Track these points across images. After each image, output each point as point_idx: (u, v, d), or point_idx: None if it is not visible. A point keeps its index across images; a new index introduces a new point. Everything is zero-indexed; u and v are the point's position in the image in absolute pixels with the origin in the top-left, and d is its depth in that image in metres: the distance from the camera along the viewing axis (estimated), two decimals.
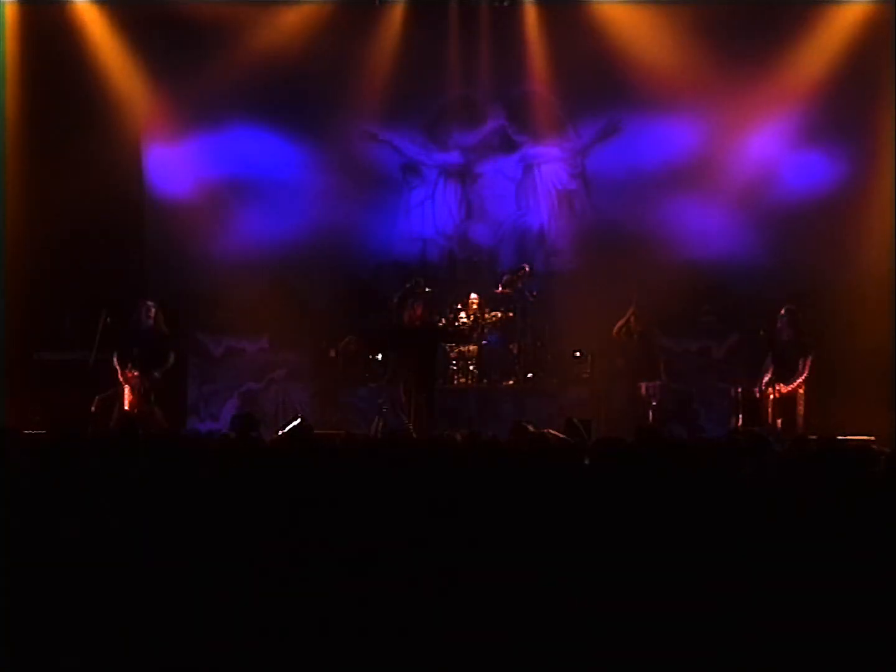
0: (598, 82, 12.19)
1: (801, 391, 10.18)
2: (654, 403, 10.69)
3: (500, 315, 11.57)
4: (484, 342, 11.51)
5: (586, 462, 4.98)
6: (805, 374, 10.18)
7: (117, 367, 10.28)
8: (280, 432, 8.63)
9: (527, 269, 11.70)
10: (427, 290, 10.90)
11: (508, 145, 12.82)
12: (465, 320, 11.38)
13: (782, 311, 10.36)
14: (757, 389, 10.36)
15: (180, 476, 4.61)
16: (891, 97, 11.46)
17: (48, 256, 11.69)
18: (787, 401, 10.16)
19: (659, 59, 11.86)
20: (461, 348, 11.48)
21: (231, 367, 11.63)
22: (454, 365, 11.51)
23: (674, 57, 11.81)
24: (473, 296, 11.47)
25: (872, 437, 9.29)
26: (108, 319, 10.63)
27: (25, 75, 11.76)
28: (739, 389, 10.51)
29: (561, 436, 6.46)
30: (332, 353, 11.69)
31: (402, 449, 5.34)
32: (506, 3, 12.20)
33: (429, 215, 12.86)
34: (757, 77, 11.81)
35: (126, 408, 10.11)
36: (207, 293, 11.94)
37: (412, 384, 10.01)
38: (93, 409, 10.02)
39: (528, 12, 12.15)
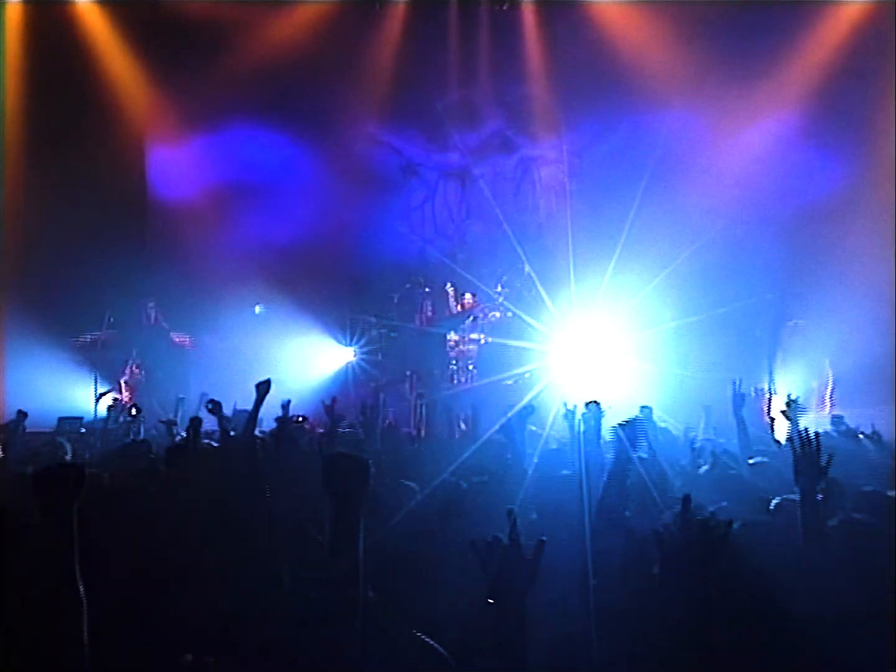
0: (597, 83, 12.21)
1: None
2: None
3: (498, 315, 11.65)
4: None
5: None
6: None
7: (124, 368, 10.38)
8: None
9: (526, 269, 11.74)
10: (427, 289, 10.96)
11: (507, 146, 12.89)
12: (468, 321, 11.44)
13: None
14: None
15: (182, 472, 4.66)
16: (891, 96, 11.41)
17: (53, 256, 11.75)
18: None
19: (657, 60, 11.88)
20: (461, 348, 11.55)
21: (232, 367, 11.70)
22: (454, 364, 11.59)
23: (671, 57, 11.81)
24: (468, 296, 11.53)
25: None
26: (112, 319, 10.71)
27: (29, 76, 11.84)
28: None
29: None
30: None
31: None
32: (504, 7, 12.29)
33: (429, 216, 12.92)
34: (756, 76, 11.78)
35: (127, 404, 10.18)
36: (209, 293, 12.01)
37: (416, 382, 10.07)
38: (96, 404, 10.08)
39: (527, 16, 12.25)
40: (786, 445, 3.98)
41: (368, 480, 3.14)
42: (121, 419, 7.95)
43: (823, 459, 3.73)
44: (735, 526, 3.19)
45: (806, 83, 11.83)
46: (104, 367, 10.65)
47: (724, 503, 3.29)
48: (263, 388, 5.51)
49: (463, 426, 8.20)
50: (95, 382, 10.35)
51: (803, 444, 3.70)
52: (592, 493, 3.76)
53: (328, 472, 3.12)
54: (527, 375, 11.59)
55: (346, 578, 3.01)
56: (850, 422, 7.72)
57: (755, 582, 3.37)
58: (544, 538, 2.90)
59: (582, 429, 4.72)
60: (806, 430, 3.78)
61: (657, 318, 11.33)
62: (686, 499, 3.05)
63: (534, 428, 6.58)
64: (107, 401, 9.07)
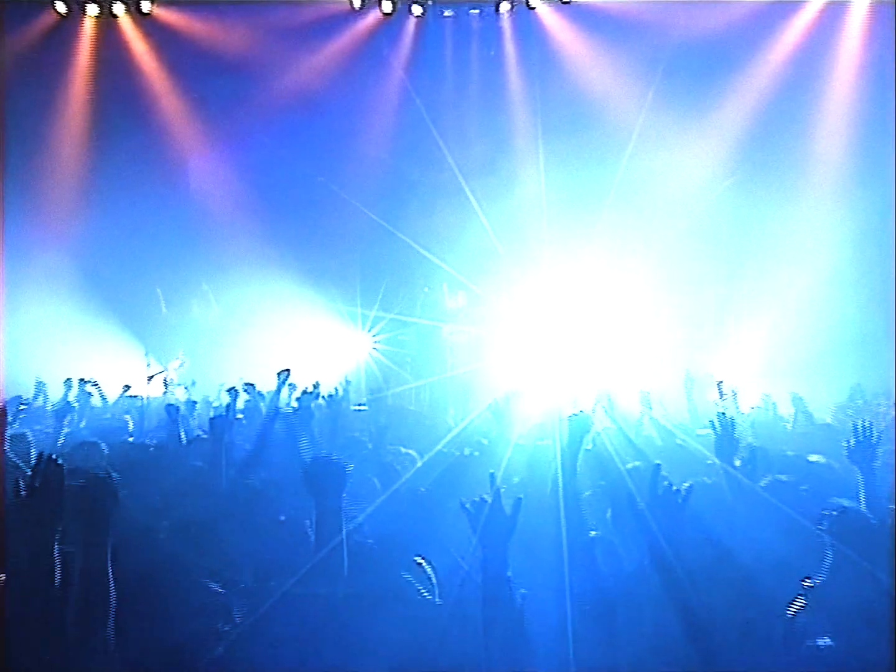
0: (572, 112, 12.28)
1: None
2: None
3: (487, 310, 11.78)
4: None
5: None
6: None
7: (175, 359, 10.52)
8: None
9: (512, 273, 11.85)
10: (426, 289, 11.07)
11: (496, 165, 12.96)
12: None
13: None
14: None
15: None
16: (891, 96, 10.90)
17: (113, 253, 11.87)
18: None
19: (626, 73, 11.82)
20: (455, 338, 11.67)
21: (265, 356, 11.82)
22: (448, 352, 11.70)
23: (642, 67, 11.73)
24: (461, 294, 11.66)
25: None
26: (166, 309, 10.84)
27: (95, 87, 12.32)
28: None
29: None
30: None
31: None
32: (492, 54, 12.58)
33: (429, 226, 13.00)
34: (723, 84, 11.60)
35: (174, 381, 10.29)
36: (237, 288, 12.15)
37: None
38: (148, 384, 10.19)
39: (510, 60, 12.53)
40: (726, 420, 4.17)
41: (345, 482, 3.24)
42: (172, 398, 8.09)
43: (738, 439, 3.97)
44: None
45: (775, 86, 11.53)
46: (155, 351, 10.76)
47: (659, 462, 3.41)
48: (284, 375, 5.90)
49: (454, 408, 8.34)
50: (148, 366, 10.47)
51: (722, 426, 3.95)
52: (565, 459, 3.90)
53: (309, 476, 3.23)
54: (511, 361, 11.71)
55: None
56: (778, 398, 7.82)
57: (701, 530, 3.54)
58: (521, 497, 3.01)
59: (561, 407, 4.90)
60: (724, 414, 4.03)
61: (625, 309, 11.40)
62: (656, 468, 3.18)
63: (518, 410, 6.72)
64: (159, 381, 9.20)
